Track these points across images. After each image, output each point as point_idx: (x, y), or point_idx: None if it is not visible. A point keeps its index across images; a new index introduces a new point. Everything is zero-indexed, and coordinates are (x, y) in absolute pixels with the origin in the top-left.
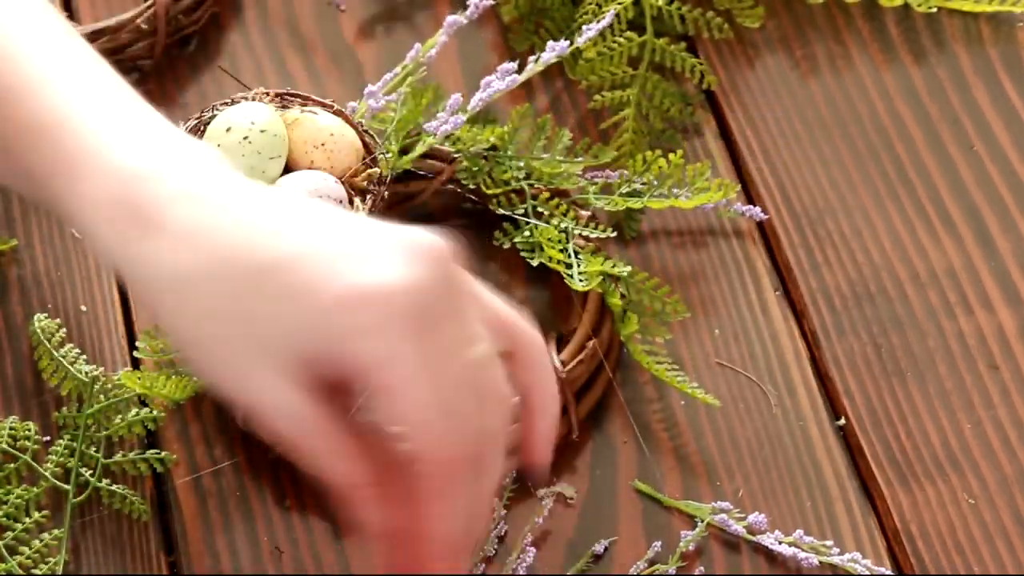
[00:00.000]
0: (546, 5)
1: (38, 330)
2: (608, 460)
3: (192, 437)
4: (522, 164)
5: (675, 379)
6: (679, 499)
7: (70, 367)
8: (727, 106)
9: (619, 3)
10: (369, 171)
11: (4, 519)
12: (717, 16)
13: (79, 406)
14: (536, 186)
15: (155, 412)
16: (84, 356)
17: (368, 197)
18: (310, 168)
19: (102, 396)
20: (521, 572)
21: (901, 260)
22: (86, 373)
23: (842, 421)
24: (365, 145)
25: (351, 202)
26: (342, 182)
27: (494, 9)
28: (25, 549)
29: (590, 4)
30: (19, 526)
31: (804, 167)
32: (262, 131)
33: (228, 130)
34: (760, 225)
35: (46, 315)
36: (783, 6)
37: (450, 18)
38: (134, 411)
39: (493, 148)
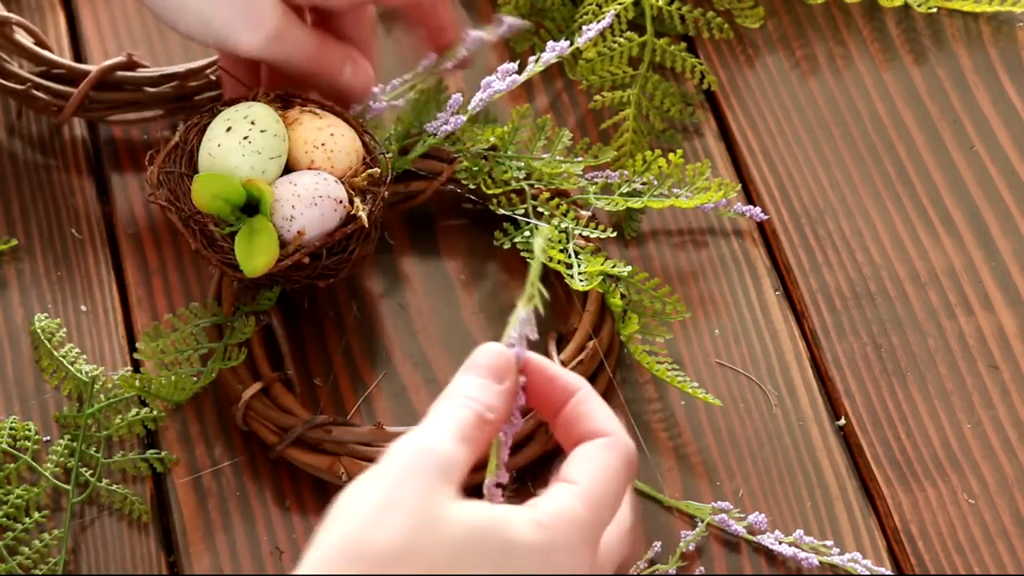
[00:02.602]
0: (546, 5)
1: (38, 330)
2: None
3: (192, 437)
4: (522, 164)
5: (675, 379)
6: (679, 499)
7: (70, 367)
8: (727, 106)
9: (619, 3)
10: (369, 171)
11: (4, 519)
12: (717, 16)
13: (79, 406)
14: (536, 186)
15: (155, 412)
16: (84, 356)
17: (368, 197)
18: (310, 168)
19: (102, 396)
20: None
21: (901, 260)
22: (86, 373)
23: (842, 421)
24: (365, 145)
25: (351, 202)
26: (342, 182)
27: (495, 9)
28: (25, 549)
29: (590, 4)
30: (19, 526)
31: (804, 167)
32: (262, 131)
33: (228, 130)
34: (760, 225)
35: (46, 315)
36: (783, 6)
37: (473, 34)
38: (134, 411)
39: (493, 148)
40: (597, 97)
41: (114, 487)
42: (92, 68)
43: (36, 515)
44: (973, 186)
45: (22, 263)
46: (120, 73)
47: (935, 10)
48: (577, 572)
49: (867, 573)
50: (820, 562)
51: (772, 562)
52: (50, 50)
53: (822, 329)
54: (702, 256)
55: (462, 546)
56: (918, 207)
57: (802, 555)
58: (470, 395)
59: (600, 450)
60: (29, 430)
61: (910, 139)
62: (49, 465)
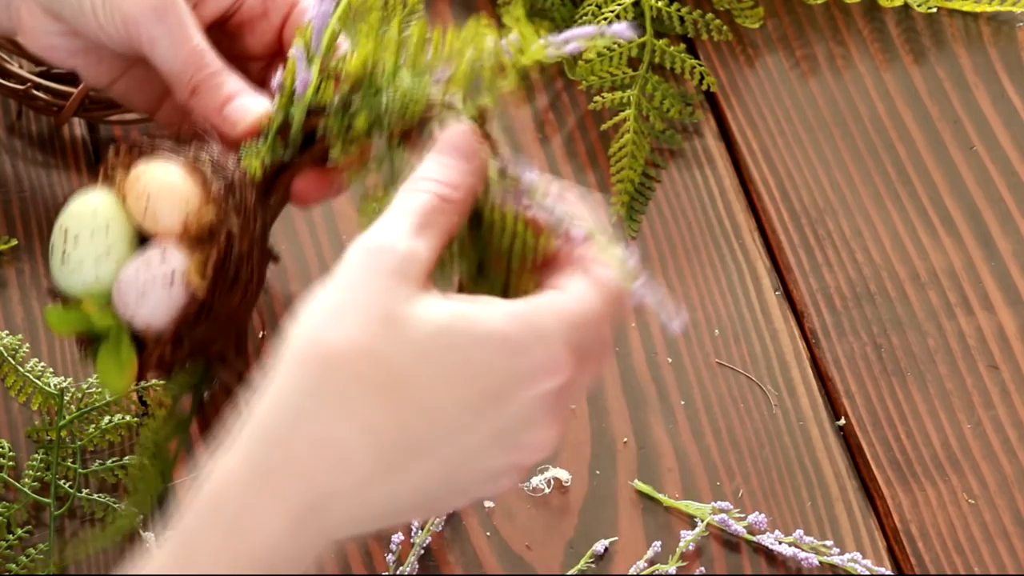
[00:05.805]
0: (546, 5)
1: (1, 348)
2: (608, 460)
3: (191, 435)
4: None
5: None
6: (679, 499)
7: (37, 381)
8: (727, 106)
9: (619, 4)
10: (201, 220)
11: None
12: (716, 18)
13: (50, 419)
14: None
15: (127, 418)
16: (51, 369)
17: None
18: (144, 233)
19: (73, 407)
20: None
21: (901, 260)
22: (54, 386)
23: (842, 421)
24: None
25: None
26: (173, 246)
27: (494, 9)
28: (13, 566)
29: (590, 4)
30: (3, 543)
31: (804, 167)
32: (77, 236)
33: (52, 247)
34: (760, 225)
35: (7, 332)
36: (783, 6)
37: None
38: (106, 419)
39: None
40: (597, 98)
41: (94, 496)
42: None
43: (19, 531)
44: (973, 186)
45: (22, 263)
46: None
47: (935, 10)
48: (553, 369)
49: (867, 573)
50: (820, 562)
51: (772, 562)
52: None
53: (822, 329)
54: (702, 256)
55: (428, 345)
56: (918, 207)
57: (802, 555)
58: (428, 176)
59: (589, 283)
60: (2, 447)
61: (910, 139)
62: (27, 480)
